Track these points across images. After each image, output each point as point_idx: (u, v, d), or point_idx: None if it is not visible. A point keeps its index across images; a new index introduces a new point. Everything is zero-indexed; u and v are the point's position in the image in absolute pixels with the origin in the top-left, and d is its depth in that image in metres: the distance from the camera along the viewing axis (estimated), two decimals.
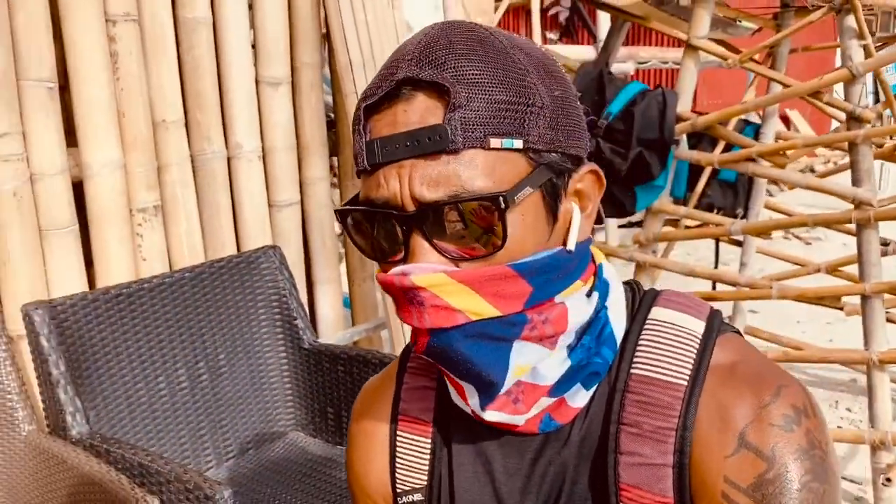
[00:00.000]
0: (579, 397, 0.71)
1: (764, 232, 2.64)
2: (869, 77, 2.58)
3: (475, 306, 0.62)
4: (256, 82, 2.37)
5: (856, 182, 2.44)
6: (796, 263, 3.46)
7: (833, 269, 3.22)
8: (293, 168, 2.47)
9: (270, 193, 2.43)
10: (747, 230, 2.67)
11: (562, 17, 7.02)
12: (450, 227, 0.61)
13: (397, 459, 0.81)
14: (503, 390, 0.67)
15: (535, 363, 0.67)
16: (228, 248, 2.33)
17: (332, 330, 2.63)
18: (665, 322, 0.72)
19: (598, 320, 0.71)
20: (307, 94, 2.47)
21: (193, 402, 1.99)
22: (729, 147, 2.96)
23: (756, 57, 3.16)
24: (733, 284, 2.68)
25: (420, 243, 0.62)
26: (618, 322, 0.72)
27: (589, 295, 0.71)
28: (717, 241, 3.53)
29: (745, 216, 3.43)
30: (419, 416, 0.80)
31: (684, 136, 2.79)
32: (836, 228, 3.37)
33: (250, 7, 2.34)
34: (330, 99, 2.77)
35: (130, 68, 2.06)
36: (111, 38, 2.02)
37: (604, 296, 0.72)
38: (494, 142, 0.60)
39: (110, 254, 2.07)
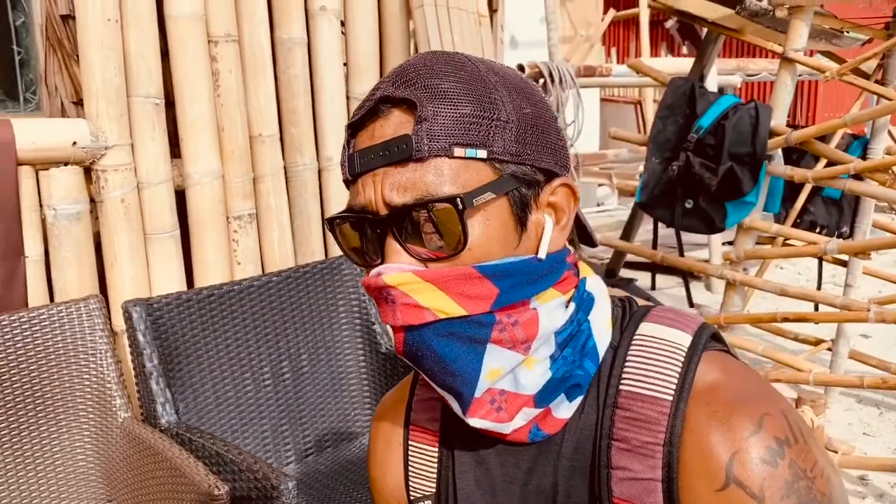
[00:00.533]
0: (563, 409, 0.73)
1: (861, 252, 2.52)
2: None
3: (442, 305, 0.66)
4: (347, 98, 2.48)
5: None
6: None
7: None
8: None
9: None
10: (844, 249, 2.56)
11: (673, 30, 6.90)
12: (417, 229, 0.66)
13: (410, 467, 0.85)
14: (477, 394, 0.70)
15: (509, 369, 0.69)
16: (317, 254, 2.46)
17: None
18: (653, 337, 0.73)
19: (580, 333, 0.73)
20: None
21: (276, 400, 2.10)
22: (833, 163, 2.85)
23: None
24: (830, 306, 2.58)
25: (392, 245, 0.67)
26: (602, 336, 0.74)
27: (567, 305, 0.73)
28: (821, 261, 3.38)
29: (850, 235, 3.28)
30: (427, 425, 0.84)
31: (779, 151, 2.71)
32: None
33: (343, 27, 2.46)
34: None
35: (230, 86, 2.22)
36: (213, 58, 2.19)
37: (587, 309, 0.74)
38: (458, 151, 0.65)
39: (208, 257, 2.23)
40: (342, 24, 2.46)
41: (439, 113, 0.65)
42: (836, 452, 2.71)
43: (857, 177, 2.63)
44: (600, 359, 0.73)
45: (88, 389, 1.84)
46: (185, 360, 1.93)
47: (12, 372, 1.76)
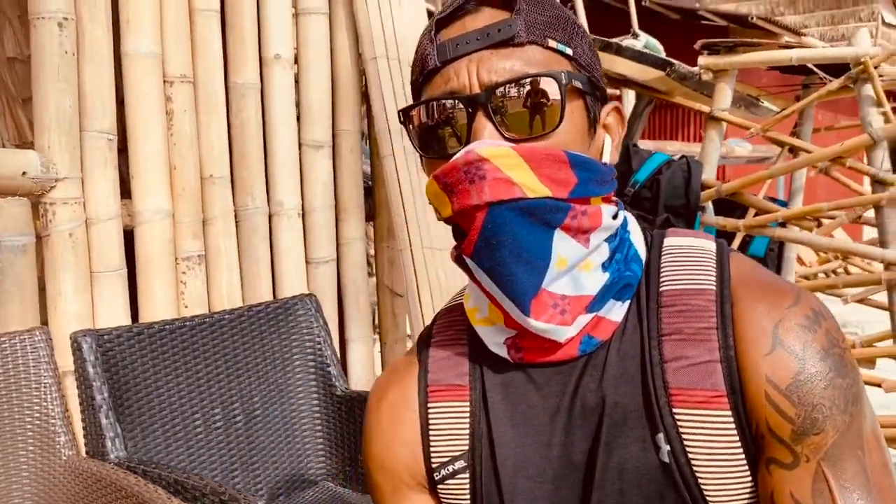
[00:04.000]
0: (615, 311, 0.75)
1: None
2: None
3: (531, 183, 0.68)
4: (299, 145, 2.50)
5: (884, 243, 2.47)
6: None
7: (869, 344, 3.20)
8: (331, 227, 2.57)
9: (308, 250, 2.53)
10: None
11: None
12: (512, 107, 0.69)
13: (431, 432, 0.80)
14: (545, 284, 0.71)
15: (572, 263, 0.72)
16: (266, 299, 2.41)
17: (363, 388, 2.65)
18: (681, 245, 0.78)
19: (623, 243, 0.77)
20: (346, 158, 2.61)
21: (227, 443, 2.01)
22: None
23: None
24: None
25: (484, 123, 0.69)
26: (639, 247, 0.79)
27: (614, 217, 0.77)
28: None
29: None
30: (454, 381, 0.81)
31: (710, 203, 2.86)
32: (870, 302, 3.36)
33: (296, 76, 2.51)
34: (367, 169, 2.90)
35: (183, 126, 2.21)
36: (168, 98, 2.18)
37: (625, 225, 0.79)
38: (552, 43, 0.71)
39: (155, 298, 2.16)
40: (295, 74, 2.50)
41: (532, 9, 0.71)
42: None
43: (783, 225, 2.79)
44: (643, 263, 0.77)
45: (30, 426, 1.72)
46: (134, 396, 1.84)
47: None
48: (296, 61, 2.51)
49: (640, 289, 0.76)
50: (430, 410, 0.81)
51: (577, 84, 0.72)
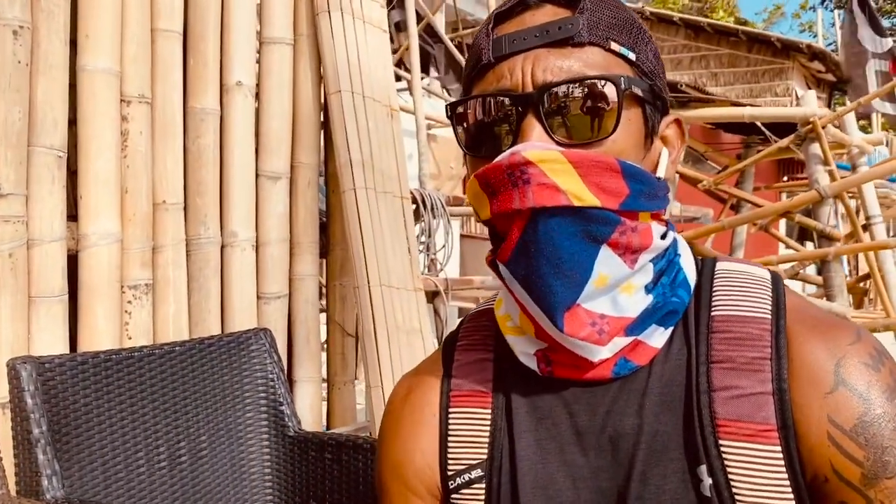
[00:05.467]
0: (656, 336, 0.71)
1: None
2: None
3: (579, 191, 0.64)
4: (256, 175, 2.42)
5: (829, 297, 2.54)
6: None
7: None
8: (284, 262, 2.48)
9: (260, 284, 2.43)
10: None
11: None
12: (566, 109, 0.65)
13: (450, 438, 0.78)
14: (581, 300, 0.67)
15: (613, 282, 0.68)
16: (214, 333, 2.29)
17: (310, 430, 2.53)
18: (734, 270, 0.75)
19: (672, 266, 0.73)
20: (303, 192, 2.54)
21: (171, 485, 1.87)
22: None
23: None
24: None
25: (533, 125, 0.65)
26: (689, 271, 0.75)
27: (663, 237, 0.73)
28: None
29: None
30: (476, 388, 0.78)
31: None
32: None
33: (257, 103, 2.44)
34: (323, 205, 2.83)
35: (138, 148, 2.11)
36: (124, 118, 2.08)
37: (675, 247, 0.75)
38: (614, 46, 0.67)
39: (96, 327, 2.02)
40: (257, 99, 2.44)
41: (597, 9, 0.67)
42: None
43: None
44: (692, 290, 0.74)
45: None
46: (73, 431, 1.69)
47: None
48: (257, 90, 2.45)
49: (689, 313, 0.73)
50: (450, 415, 0.78)
51: (637, 91, 0.68)
